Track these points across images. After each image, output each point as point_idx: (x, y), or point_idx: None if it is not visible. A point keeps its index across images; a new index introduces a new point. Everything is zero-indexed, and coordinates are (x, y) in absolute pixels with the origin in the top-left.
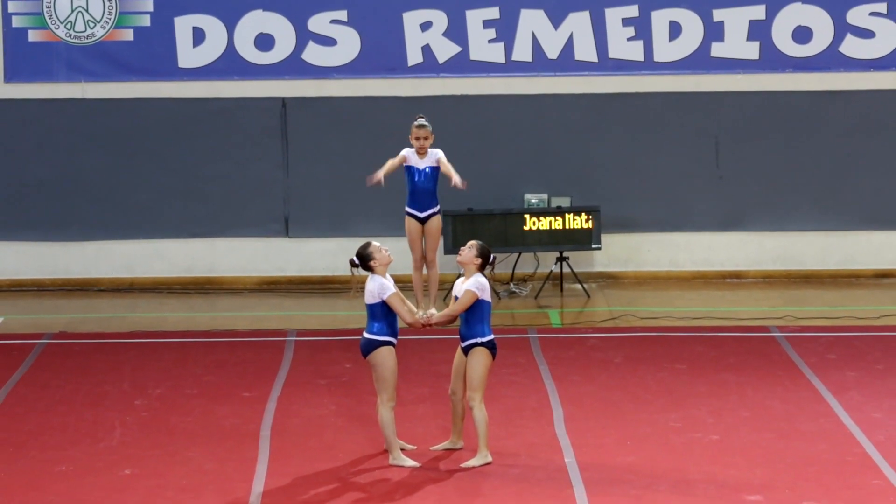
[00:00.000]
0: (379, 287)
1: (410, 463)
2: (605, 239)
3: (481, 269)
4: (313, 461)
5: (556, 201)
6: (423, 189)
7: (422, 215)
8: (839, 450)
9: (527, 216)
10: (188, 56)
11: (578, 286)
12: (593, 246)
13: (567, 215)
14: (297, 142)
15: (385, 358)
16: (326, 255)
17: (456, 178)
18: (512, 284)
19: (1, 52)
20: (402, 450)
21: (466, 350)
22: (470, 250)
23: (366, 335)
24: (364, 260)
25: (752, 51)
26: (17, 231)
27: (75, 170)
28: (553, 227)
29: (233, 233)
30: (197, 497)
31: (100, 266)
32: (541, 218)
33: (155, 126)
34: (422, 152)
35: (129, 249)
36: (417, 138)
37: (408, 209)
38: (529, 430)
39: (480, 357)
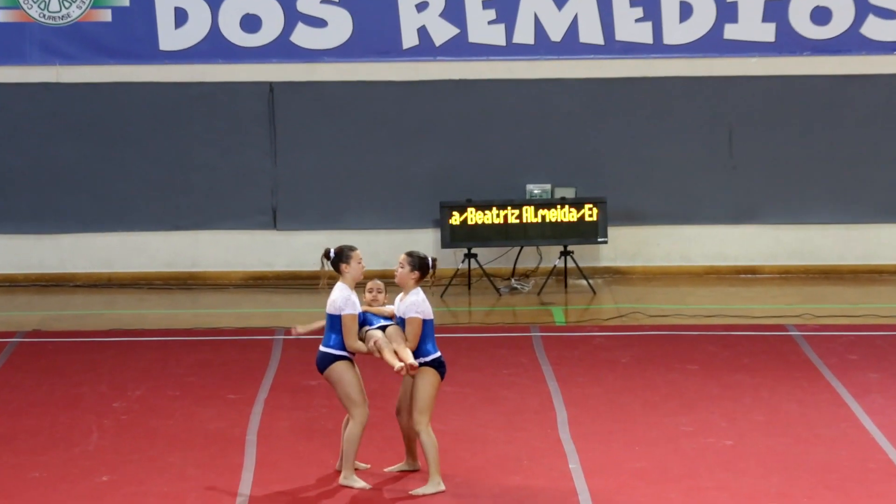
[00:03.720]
0: (343, 301)
1: (361, 484)
2: (612, 232)
3: (420, 280)
4: (302, 467)
5: (560, 192)
6: None
7: None
8: (861, 456)
9: (529, 208)
10: (170, 38)
11: (583, 282)
12: (599, 239)
13: (571, 207)
14: (286, 129)
15: (343, 373)
16: (317, 249)
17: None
18: (513, 280)
19: None
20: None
21: None
22: (402, 269)
23: (321, 348)
24: (339, 258)
25: (767, 33)
26: None
27: (50, 158)
28: (557, 220)
29: (217, 225)
30: None
31: (76, 260)
32: (544, 210)
33: (135, 112)
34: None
35: (107, 242)
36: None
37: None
38: (532, 434)
39: (427, 377)
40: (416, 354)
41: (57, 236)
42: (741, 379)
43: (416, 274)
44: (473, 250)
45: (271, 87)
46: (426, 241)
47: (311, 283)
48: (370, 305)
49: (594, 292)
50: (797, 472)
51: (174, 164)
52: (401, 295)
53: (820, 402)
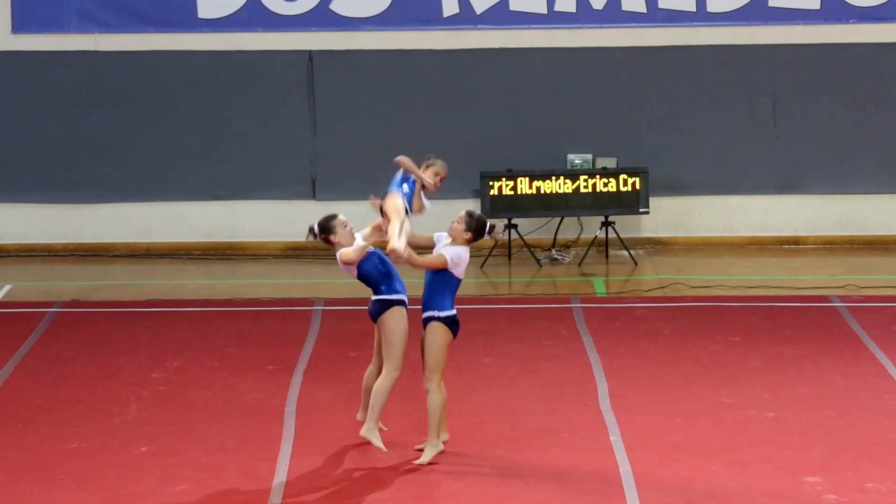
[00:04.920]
0: (350, 254)
1: (379, 444)
2: (654, 202)
3: (472, 242)
4: (341, 439)
5: (602, 162)
6: None
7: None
8: None
9: (570, 178)
10: (208, 6)
11: (625, 253)
12: (641, 210)
13: (613, 177)
14: (325, 98)
15: (396, 321)
16: (356, 220)
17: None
18: (554, 251)
19: (8, 0)
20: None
21: (425, 323)
22: (458, 224)
23: (373, 297)
24: (324, 231)
25: (812, 0)
26: (25, 192)
27: (88, 127)
28: (598, 190)
29: (256, 195)
30: (217, 476)
31: (114, 230)
32: (585, 180)
33: (173, 81)
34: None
35: (145, 212)
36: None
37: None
38: (572, 406)
39: (437, 334)
40: (430, 306)
41: (95, 206)
42: (784, 351)
43: (470, 235)
44: (514, 221)
45: (310, 55)
46: None
47: None
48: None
49: (635, 263)
50: (840, 444)
51: (213, 134)
52: (448, 241)
53: (864, 374)
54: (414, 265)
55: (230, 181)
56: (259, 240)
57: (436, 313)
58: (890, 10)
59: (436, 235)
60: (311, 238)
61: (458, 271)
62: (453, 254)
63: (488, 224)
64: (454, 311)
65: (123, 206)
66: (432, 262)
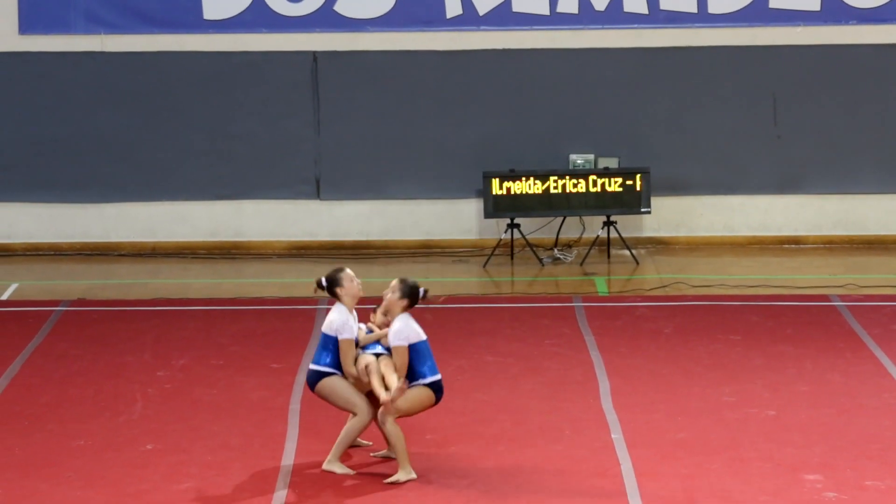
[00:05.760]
0: (341, 324)
1: (344, 470)
2: (655, 202)
3: (408, 309)
4: None
5: (603, 162)
6: None
7: None
8: None
9: (572, 178)
10: (214, 7)
11: (626, 252)
12: (642, 209)
13: (614, 177)
14: (329, 98)
15: (333, 385)
16: (360, 219)
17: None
18: (556, 250)
19: (15, 1)
20: (357, 446)
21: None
22: (392, 294)
23: (312, 366)
24: (332, 284)
25: (812, 1)
26: (32, 192)
27: (94, 127)
28: (600, 190)
29: (261, 195)
30: (222, 474)
31: (120, 229)
32: (587, 179)
33: (178, 81)
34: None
35: (150, 212)
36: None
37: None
38: (574, 405)
39: (421, 393)
40: (415, 378)
41: (101, 205)
42: (784, 349)
43: (405, 302)
44: (516, 220)
45: (315, 56)
46: (469, 210)
47: (355, 254)
48: (380, 328)
49: (637, 262)
50: (840, 442)
51: (218, 134)
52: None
53: (863, 372)
54: (402, 378)
55: (235, 181)
56: (263, 239)
57: (419, 382)
58: (889, 12)
59: (363, 326)
60: (318, 292)
61: (416, 337)
62: (398, 335)
63: (421, 290)
64: (439, 376)
65: (129, 205)
66: (402, 362)
